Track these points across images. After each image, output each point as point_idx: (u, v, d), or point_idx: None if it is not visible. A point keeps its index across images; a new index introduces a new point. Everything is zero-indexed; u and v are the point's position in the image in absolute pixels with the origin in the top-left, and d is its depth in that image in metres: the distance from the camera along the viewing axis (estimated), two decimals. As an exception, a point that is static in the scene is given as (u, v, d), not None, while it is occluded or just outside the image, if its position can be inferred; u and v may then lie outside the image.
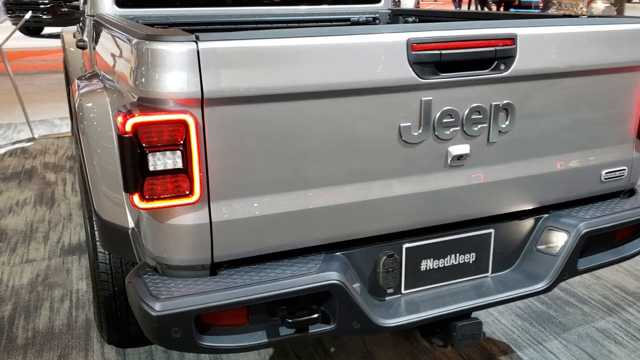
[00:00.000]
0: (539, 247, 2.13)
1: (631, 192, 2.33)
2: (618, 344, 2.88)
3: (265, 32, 1.61)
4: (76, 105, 2.38)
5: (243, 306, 1.67)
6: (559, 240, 2.10)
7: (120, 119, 1.56)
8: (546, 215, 2.15)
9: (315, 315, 1.73)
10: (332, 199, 1.78)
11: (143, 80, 1.57)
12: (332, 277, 1.74)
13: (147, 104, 1.57)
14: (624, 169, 2.21)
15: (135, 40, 1.61)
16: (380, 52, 1.71)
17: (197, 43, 1.54)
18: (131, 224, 2.12)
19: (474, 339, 1.99)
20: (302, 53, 1.62)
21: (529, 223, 2.15)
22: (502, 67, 1.85)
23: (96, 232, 2.41)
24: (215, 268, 1.75)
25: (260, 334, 1.74)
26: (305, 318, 1.71)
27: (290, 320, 1.70)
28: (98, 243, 2.44)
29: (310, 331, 1.76)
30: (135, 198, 1.58)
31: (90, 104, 2.28)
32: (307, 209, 1.76)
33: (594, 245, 2.17)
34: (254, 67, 1.58)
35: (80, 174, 2.63)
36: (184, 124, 1.55)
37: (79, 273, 3.60)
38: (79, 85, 2.61)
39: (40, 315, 3.15)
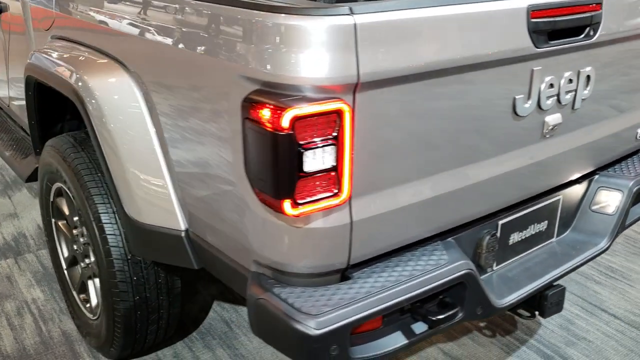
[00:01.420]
0: (593, 207, 2.19)
1: None
2: (598, 284, 3.11)
3: (410, 2, 1.40)
4: (76, 86, 1.95)
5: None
6: (613, 199, 2.17)
7: (266, 112, 1.28)
8: (596, 177, 2.21)
9: (457, 309, 1.62)
10: (456, 182, 1.66)
11: (281, 63, 1.30)
12: (464, 266, 1.63)
13: (289, 92, 1.30)
14: (651, 126, 2.34)
15: (269, 15, 1.31)
16: (503, 20, 1.59)
17: (353, 16, 1.30)
18: (183, 226, 1.84)
19: (560, 306, 2.01)
20: (447, 24, 1.46)
21: (584, 186, 2.19)
22: (591, 33, 1.82)
23: (108, 238, 2.06)
24: (344, 271, 1.56)
25: (397, 336, 1.59)
26: (449, 313, 1.59)
27: (434, 318, 1.58)
28: (113, 249, 2.08)
29: (442, 325, 1.64)
30: (287, 205, 1.33)
31: (105, 86, 1.89)
32: (436, 196, 1.62)
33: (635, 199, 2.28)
34: (404, 43, 1.38)
35: (68, 168, 2.19)
36: (338, 113, 1.32)
37: (25, 279, 3.07)
38: (51, 59, 2.16)
39: (2, 337, 2.65)
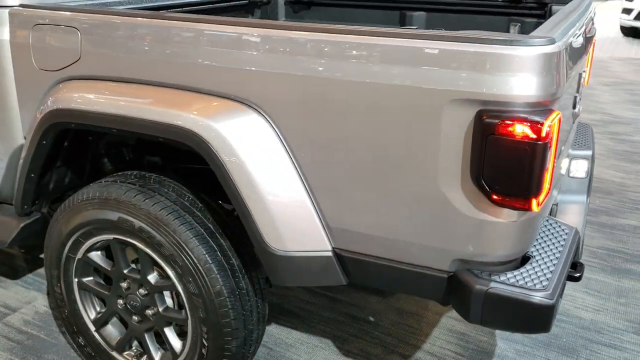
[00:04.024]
0: (570, 174, 2.81)
1: None
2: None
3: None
4: (198, 131, 1.88)
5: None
6: (582, 166, 2.81)
7: (519, 127, 1.54)
8: (570, 151, 2.83)
9: (581, 265, 2.04)
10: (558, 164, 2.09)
11: (513, 86, 1.57)
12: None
13: (523, 109, 1.57)
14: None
15: (506, 48, 1.56)
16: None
17: (558, 44, 1.62)
18: (330, 246, 1.95)
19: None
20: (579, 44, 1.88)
21: (566, 159, 2.79)
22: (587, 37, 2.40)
23: (219, 278, 2.06)
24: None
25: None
26: (582, 269, 2.01)
27: (576, 275, 1.97)
28: (225, 288, 2.07)
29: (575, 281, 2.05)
30: (534, 202, 1.60)
31: (237, 129, 1.89)
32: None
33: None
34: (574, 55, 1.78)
35: (148, 216, 2.06)
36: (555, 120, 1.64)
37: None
38: (121, 102, 2.02)
39: None
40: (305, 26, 1.83)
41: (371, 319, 3.00)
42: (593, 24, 2.53)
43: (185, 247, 2.04)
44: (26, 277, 3.27)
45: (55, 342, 2.75)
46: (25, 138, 2.42)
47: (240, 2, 3.44)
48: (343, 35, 1.75)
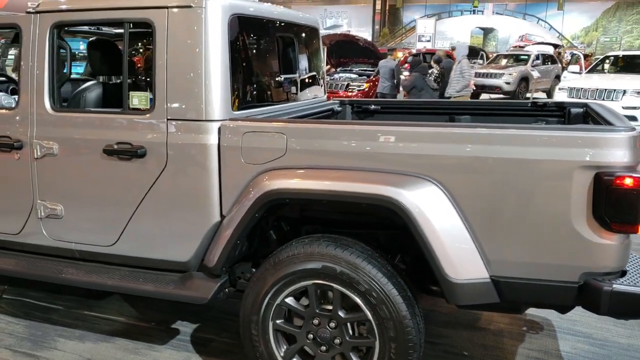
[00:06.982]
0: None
1: None
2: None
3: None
4: (398, 199, 2.73)
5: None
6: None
7: (629, 180, 2.49)
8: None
9: None
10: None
11: (619, 157, 2.54)
12: None
13: (626, 169, 2.53)
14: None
15: (615, 134, 2.56)
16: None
17: (637, 130, 2.63)
18: (487, 274, 2.79)
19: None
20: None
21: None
22: None
23: (404, 304, 2.86)
24: (621, 267, 2.78)
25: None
26: None
27: None
28: (408, 311, 2.84)
29: None
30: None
31: (423, 196, 2.75)
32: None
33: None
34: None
35: (347, 263, 2.85)
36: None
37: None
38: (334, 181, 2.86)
39: None
40: (468, 125, 2.78)
41: (465, 353, 3.77)
42: None
43: (379, 283, 2.83)
44: (170, 342, 3.86)
45: (228, 385, 3.36)
46: (223, 216, 3.16)
47: (328, 112, 4.38)
48: (502, 130, 2.71)
